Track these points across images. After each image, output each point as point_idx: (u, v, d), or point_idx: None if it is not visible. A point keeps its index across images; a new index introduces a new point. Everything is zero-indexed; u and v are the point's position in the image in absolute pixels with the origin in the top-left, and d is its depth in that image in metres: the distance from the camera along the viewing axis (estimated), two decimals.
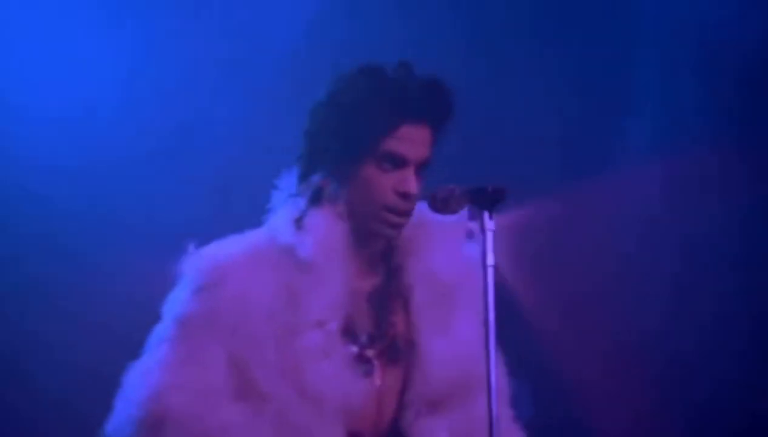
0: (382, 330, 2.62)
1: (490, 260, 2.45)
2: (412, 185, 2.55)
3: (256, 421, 2.44)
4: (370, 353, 2.59)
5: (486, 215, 2.46)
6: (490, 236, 2.46)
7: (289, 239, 2.55)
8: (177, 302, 2.52)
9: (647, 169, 4.87)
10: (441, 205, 2.54)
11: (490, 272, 2.44)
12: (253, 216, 2.70)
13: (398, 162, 2.55)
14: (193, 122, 4.36)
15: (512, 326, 4.75)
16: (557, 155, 4.85)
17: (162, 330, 2.52)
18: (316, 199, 2.60)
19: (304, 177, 2.61)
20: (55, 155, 4.22)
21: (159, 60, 4.35)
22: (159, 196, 4.25)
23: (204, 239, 2.61)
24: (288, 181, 2.66)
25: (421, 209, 2.61)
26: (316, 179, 2.60)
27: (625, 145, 4.87)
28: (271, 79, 4.38)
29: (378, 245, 2.64)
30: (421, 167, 2.59)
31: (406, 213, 2.58)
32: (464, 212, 2.60)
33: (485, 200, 2.47)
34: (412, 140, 2.55)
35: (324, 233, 2.54)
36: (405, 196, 2.55)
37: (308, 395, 2.45)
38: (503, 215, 5.19)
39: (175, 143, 4.35)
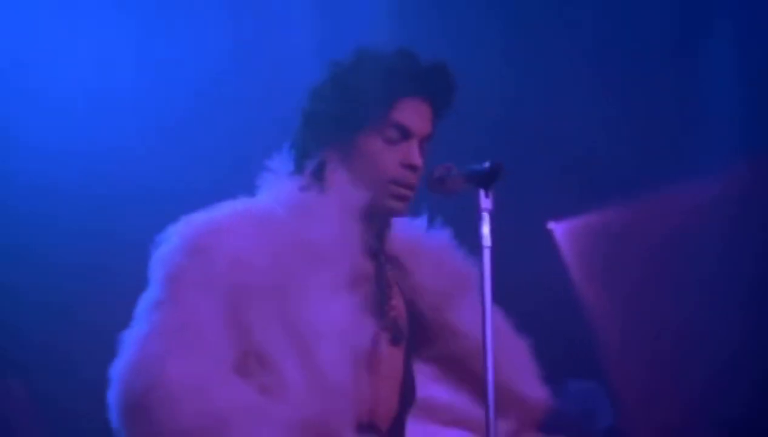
0: (384, 310, 2.55)
1: (487, 241, 2.36)
2: (417, 158, 2.53)
3: (261, 405, 2.30)
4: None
5: (482, 193, 2.38)
6: (486, 215, 2.37)
7: (298, 200, 2.49)
8: (168, 264, 2.39)
9: (719, 178, 4.84)
10: (438, 184, 2.49)
11: (487, 253, 2.35)
12: None
13: (404, 133, 2.53)
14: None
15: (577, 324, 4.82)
16: (630, 162, 4.83)
17: (154, 294, 2.38)
18: (320, 173, 2.55)
19: (302, 156, 2.57)
20: (60, 154, 4.22)
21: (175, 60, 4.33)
22: (164, 195, 4.18)
23: None
24: (280, 162, 2.61)
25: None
26: (317, 155, 2.55)
27: (699, 153, 4.82)
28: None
29: (381, 225, 2.59)
30: (424, 143, 2.57)
31: (412, 186, 2.55)
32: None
33: (482, 178, 2.39)
34: (415, 114, 2.55)
35: (346, 193, 2.50)
36: (411, 168, 2.52)
37: (314, 354, 2.35)
38: (578, 219, 5.20)
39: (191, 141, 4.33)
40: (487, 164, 2.39)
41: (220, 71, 4.32)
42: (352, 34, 4.21)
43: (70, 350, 4.06)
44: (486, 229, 2.35)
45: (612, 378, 4.79)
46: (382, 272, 2.59)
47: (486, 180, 2.38)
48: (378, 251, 2.59)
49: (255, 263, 2.38)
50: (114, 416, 2.31)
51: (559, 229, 5.18)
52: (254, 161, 2.64)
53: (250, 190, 2.63)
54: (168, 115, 4.27)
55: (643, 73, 4.85)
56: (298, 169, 2.55)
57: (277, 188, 2.54)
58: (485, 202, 2.38)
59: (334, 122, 2.53)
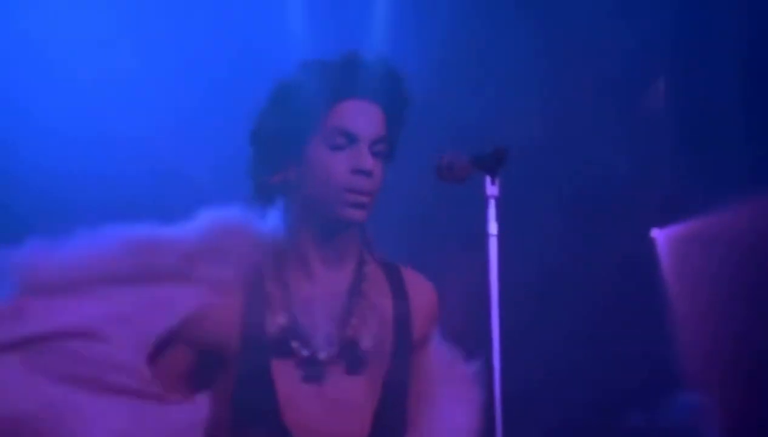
0: (341, 333, 2.43)
1: (493, 228, 2.28)
2: (367, 161, 2.38)
3: None
4: (322, 355, 2.40)
5: (488, 179, 2.30)
6: (492, 202, 2.28)
7: None
8: None
9: None
10: (446, 172, 2.40)
11: (493, 241, 2.27)
12: None
13: (349, 137, 2.40)
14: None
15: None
16: (742, 167, 4.75)
17: None
18: (269, 196, 2.47)
19: (258, 181, 2.48)
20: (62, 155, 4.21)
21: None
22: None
23: None
24: None
25: None
26: (268, 178, 2.46)
27: None
28: None
29: (345, 237, 2.46)
30: (376, 146, 2.42)
31: (367, 192, 2.40)
32: None
33: (487, 163, 2.30)
34: (358, 116, 2.41)
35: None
36: (362, 173, 2.39)
37: None
38: (683, 225, 5.15)
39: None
40: (491, 149, 2.31)
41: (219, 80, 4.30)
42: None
43: None
44: (492, 216, 2.27)
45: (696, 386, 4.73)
46: (355, 288, 2.46)
47: (491, 165, 2.29)
48: (361, 262, 2.49)
49: None
50: None
51: (660, 236, 5.18)
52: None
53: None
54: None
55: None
56: (257, 197, 2.47)
57: None
58: (491, 188, 2.29)
59: (278, 138, 2.42)
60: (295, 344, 2.38)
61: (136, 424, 2.31)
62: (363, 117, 2.41)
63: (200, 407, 2.39)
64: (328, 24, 4.36)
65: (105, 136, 4.25)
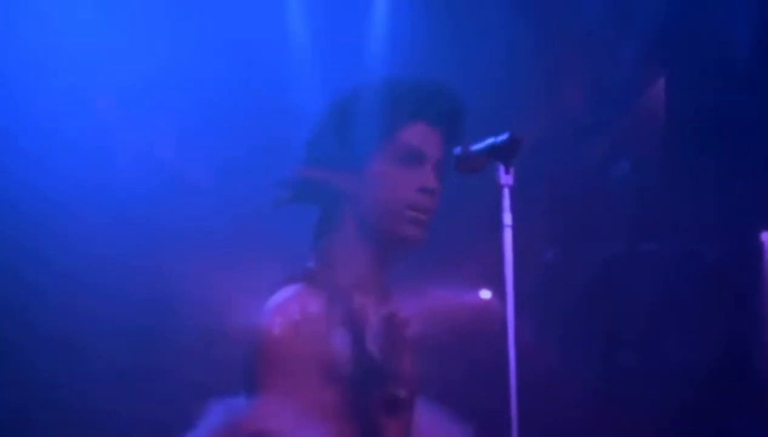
0: (406, 369, 2.36)
1: (507, 219, 2.20)
2: (433, 181, 2.43)
3: None
4: (402, 394, 2.34)
5: (502, 168, 2.22)
6: (506, 191, 2.21)
7: None
8: None
9: None
10: (462, 162, 2.32)
11: (507, 232, 2.19)
12: None
13: (417, 156, 2.44)
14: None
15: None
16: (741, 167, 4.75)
17: None
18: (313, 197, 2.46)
19: (309, 190, 2.46)
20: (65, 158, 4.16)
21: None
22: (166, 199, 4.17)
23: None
24: None
25: None
26: (326, 187, 2.44)
27: None
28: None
29: (397, 260, 2.47)
30: (438, 168, 2.46)
31: (430, 210, 2.43)
32: None
33: (501, 151, 2.23)
34: (427, 137, 2.46)
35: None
36: (428, 192, 2.42)
37: None
38: None
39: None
40: (506, 136, 2.23)
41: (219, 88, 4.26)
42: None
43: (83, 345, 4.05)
44: (507, 206, 2.20)
45: None
46: (399, 316, 2.37)
47: (506, 153, 2.22)
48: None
49: None
50: None
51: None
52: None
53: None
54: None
55: None
56: (300, 195, 2.45)
57: None
58: (505, 178, 2.21)
59: (342, 143, 2.42)
60: (383, 381, 2.32)
61: None
62: (431, 139, 2.45)
63: None
64: (331, 32, 4.31)
65: (107, 140, 4.23)
